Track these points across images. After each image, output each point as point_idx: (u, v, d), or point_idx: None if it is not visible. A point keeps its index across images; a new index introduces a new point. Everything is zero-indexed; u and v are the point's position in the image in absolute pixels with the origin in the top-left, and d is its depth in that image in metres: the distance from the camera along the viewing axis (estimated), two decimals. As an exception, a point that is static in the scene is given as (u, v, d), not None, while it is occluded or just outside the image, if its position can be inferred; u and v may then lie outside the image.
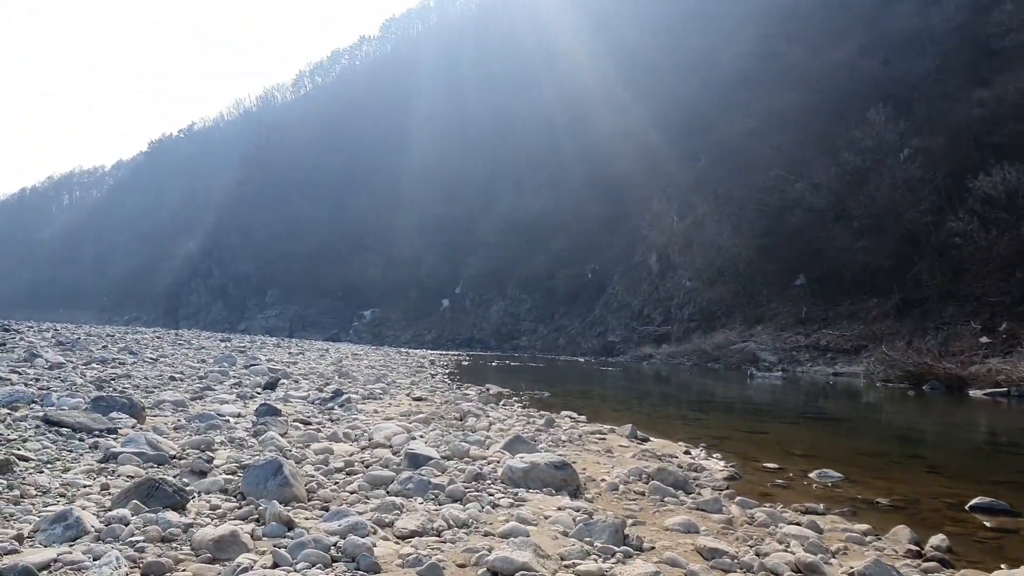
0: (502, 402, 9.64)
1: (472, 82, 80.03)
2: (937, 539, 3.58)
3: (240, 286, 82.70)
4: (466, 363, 24.31)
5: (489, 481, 4.09)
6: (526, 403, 10.04)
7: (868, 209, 31.07)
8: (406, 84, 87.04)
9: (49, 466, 3.77)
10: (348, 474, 4.15)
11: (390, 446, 5.02)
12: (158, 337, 21.43)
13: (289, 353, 18.45)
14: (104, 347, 13.91)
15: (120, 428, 4.79)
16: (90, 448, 4.27)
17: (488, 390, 11.77)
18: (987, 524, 4.17)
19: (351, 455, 4.70)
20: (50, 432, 4.46)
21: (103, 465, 3.88)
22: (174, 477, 3.76)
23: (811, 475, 5.47)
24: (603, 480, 4.46)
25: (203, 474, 3.82)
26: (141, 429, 4.91)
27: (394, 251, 70.77)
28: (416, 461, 4.29)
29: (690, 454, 6.20)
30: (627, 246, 48.97)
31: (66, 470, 3.73)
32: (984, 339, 23.57)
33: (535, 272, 56.22)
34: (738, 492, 4.56)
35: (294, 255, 78.58)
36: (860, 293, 31.28)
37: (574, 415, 8.48)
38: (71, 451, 4.15)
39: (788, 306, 34.43)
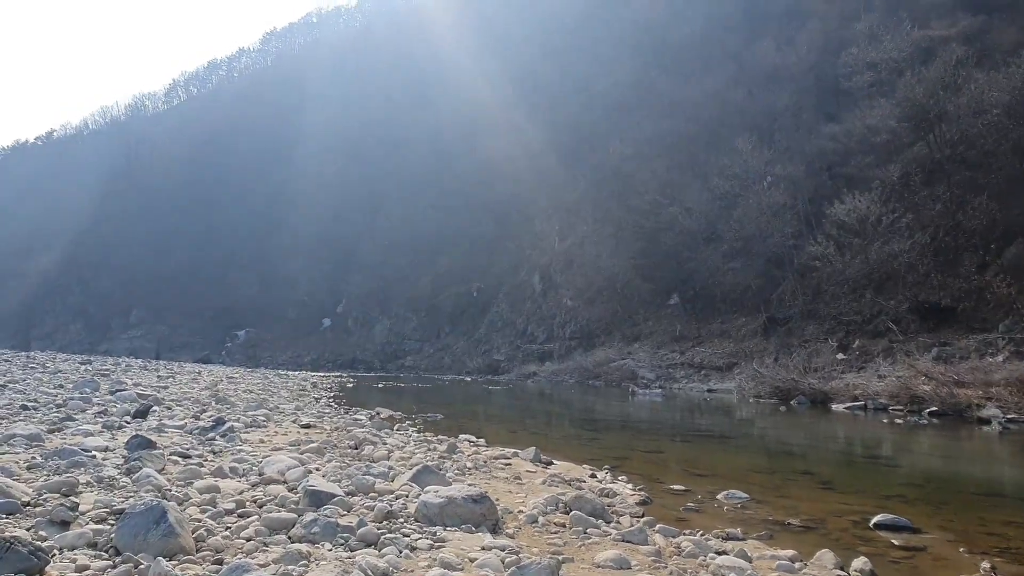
0: (396, 427, 9.24)
1: (358, 99, 78.77)
2: (859, 562, 3.60)
3: (102, 305, 77.05)
4: (351, 385, 23.53)
5: (402, 519, 3.77)
6: (421, 427, 9.69)
7: (737, 232, 32.70)
8: (288, 99, 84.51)
9: None
10: (241, 516, 3.72)
11: (284, 482, 4.59)
12: (6, 360, 19.46)
13: (158, 376, 17.17)
14: (-62, 374, 12.40)
15: (-40, 471, 4.11)
16: (-78, 498, 3.60)
17: (379, 414, 11.31)
18: (895, 542, 4.28)
19: (241, 493, 4.25)
20: None
21: (-63, 519, 3.25)
22: (28, 531, 3.21)
23: (719, 496, 5.49)
24: (520, 512, 4.24)
25: (65, 524, 3.29)
26: (-13, 472, 4.24)
27: (271, 270, 68.21)
28: (318, 499, 3.90)
29: (596, 477, 6.11)
30: (511, 265, 49.40)
31: None
32: (840, 356, 25.18)
33: (420, 291, 55.71)
34: (655, 518, 4.45)
35: (162, 273, 74.17)
36: (730, 312, 32.86)
37: (473, 438, 8.22)
38: None
39: (663, 324, 35.64)
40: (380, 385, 25.08)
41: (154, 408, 8.29)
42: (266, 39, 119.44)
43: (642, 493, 5.40)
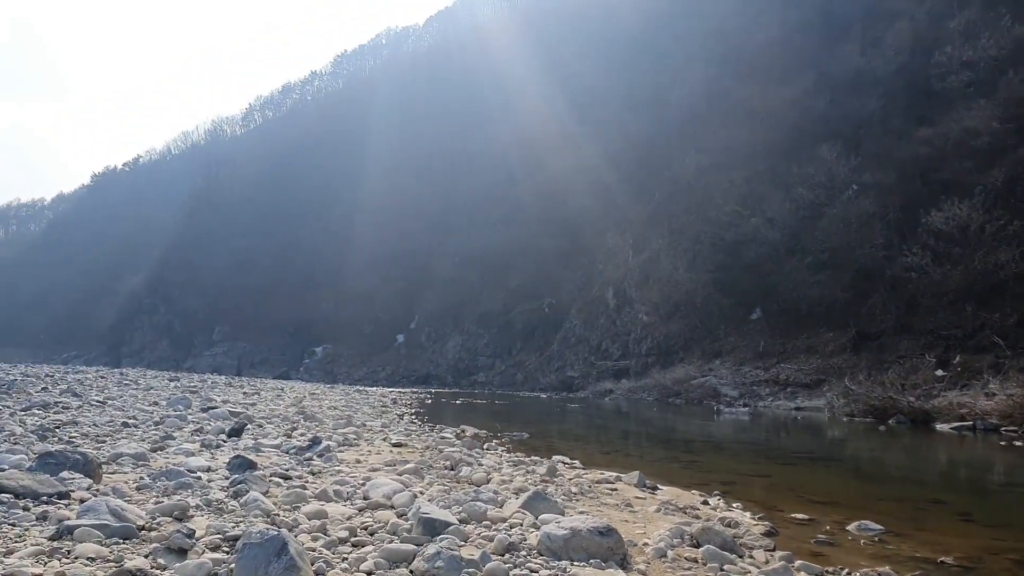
0: (484, 445, 9.01)
1: (426, 118, 79.96)
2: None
3: (187, 323, 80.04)
4: (429, 401, 23.52)
5: (524, 552, 3.49)
6: (509, 446, 9.44)
7: (822, 243, 31.51)
8: (359, 119, 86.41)
9: (-13, 548, 3.05)
10: (355, 546, 3.51)
11: (392, 507, 4.39)
12: (102, 377, 20.20)
13: (244, 393, 17.47)
14: (44, 389, 12.87)
15: (73, 491, 4.07)
16: (38, 519, 3.55)
17: (465, 432, 11.12)
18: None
19: (350, 519, 4.06)
20: (-13, 501, 3.72)
21: (55, 544, 3.16)
22: (146, 557, 3.09)
23: (850, 528, 5.03)
24: (645, 544, 3.91)
25: (183, 552, 3.15)
26: (98, 491, 4.19)
27: (347, 286, 69.47)
28: (432, 528, 3.67)
29: (709, 504, 5.71)
30: (584, 281, 48.92)
31: (9, 552, 3.02)
32: (939, 372, 23.78)
33: (492, 307, 55.73)
34: (790, 552, 4.06)
35: (243, 291, 76.52)
36: (816, 327, 31.51)
37: (567, 459, 7.92)
38: (13, 524, 3.44)
39: (745, 340, 34.49)
40: (457, 401, 25.01)
41: (247, 426, 8.30)
42: (337, 62, 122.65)
43: (765, 523, 4.98)
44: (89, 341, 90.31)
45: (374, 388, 34.90)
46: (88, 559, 3.02)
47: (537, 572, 3.18)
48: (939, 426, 16.99)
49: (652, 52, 56.36)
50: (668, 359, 37.15)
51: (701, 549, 3.77)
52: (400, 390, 35.76)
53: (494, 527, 3.97)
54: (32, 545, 3.14)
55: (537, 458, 7.77)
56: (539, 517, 4.15)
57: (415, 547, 3.36)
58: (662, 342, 38.69)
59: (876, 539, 4.74)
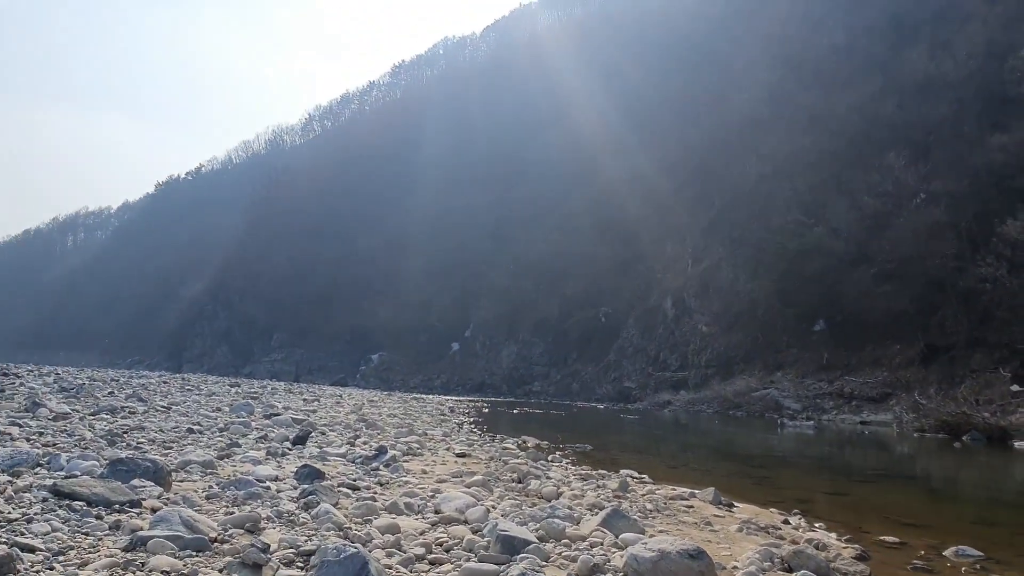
0: (549, 457, 8.80)
1: (480, 127, 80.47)
2: None
3: (246, 329, 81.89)
4: (486, 410, 23.43)
5: (610, 574, 3.28)
6: (573, 458, 9.21)
7: (890, 253, 30.46)
8: (415, 129, 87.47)
9: (61, 558, 3.00)
10: (432, 563, 3.36)
11: (465, 521, 4.23)
12: (165, 382, 20.64)
13: (304, 400, 17.63)
14: (111, 393, 13.15)
15: (144, 499, 4.02)
16: (111, 529, 3.49)
17: (526, 443, 10.94)
18: None
19: (423, 534, 3.92)
20: (61, 507, 3.69)
21: (129, 555, 3.09)
22: (220, 572, 2.98)
23: (946, 553, 4.67)
24: (734, 567, 3.66)
25: (257, 568, 3.03)
26: (169, 500, 4.14)
27: (403, 294, 70.15)
28: (510, 545, 3.49)
29: (790, 523, 5.40)
30: (641, 290, 48.26)
31: (84, 564, 2.95)
32: (1015, 387, 22.68)
33: (547, 316, 55.48)
34: (887, 581, 3.76)
35: (301, 298, 77.95)
36: (882, 339, 30.40)
37: (635, 474, 7.65)
38: (87, 533, 3.38)
39: (808, 352, 33.52)
40: (514, 411, 24.84)
41: (311, 434, 8.27)
42: (395, 72, 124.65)
43: (855, 545, 4.66)
44: (152, 346, 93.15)
45: (430, 396, 35.01)
46: (162, 572, 2.93)
47: (627, 598, 2.97)
48: (1017, 444, 16.13)
49: (711, 57, 55.56)
50: (728, 371, 36.33)
51: (795, 575, 3.50)
52: (455, 398, 35.77)
53: (574, 546, 3.78)
54: (106, 556, 3.07)
55: (604, 472, 7.54)
56: (620, 536, 3.94)
57: (495, 567, 3.19)
58: (722, 353, 37.86)
59: (977, 566, 4.39)
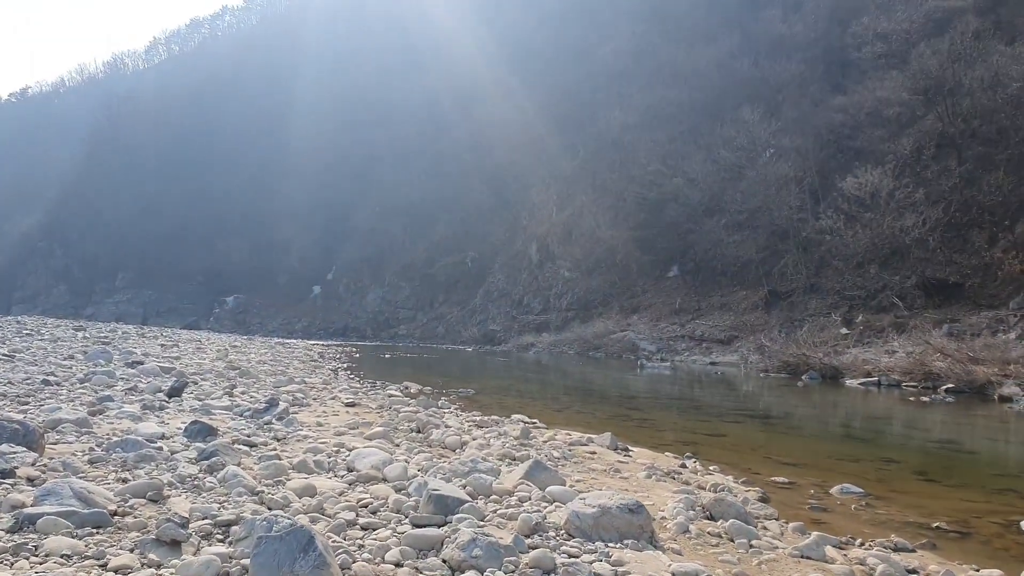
0: (439, 403, 8.76)
1: (350, 61, 76.79)
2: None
3: (87, 268, 75.36)
4: (357, 355, 23.02)
5: (551, 533, 3.28)
6: (461, 404, 9.23)
7: (740, 204, 32.31)
8: (277, 60, 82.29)
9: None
10: (365, 529, 3.22)
11: (385, 479, 4.10)
12: (-2, 327, 18.69)
13: (161, 345, 16.55)
14: (-62, 341, 11.75)
15: (17, 467, 3.58)
16: (-14, 504, 3.07)
17: (409, 389, 10.85)
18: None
19: (341, 494, 3.78)
20: (-79, 481, 3.22)
21: (17, 538, 2.72)
22: (132, 551, 2.71)
23: (832, 492, 5.09)
24: (663, 518, 3.77)
25: (176, 545, 2.77)
26: (46, 467, 3.73)
27: (263, 235, 67.03)
28: (444, 505, 3.41)
29: (687, 467, 5.68)
30: (508, 235, 48.76)
31: (-36, 552, 2.58)
32: (844, 331, 24.97)
33: (414, 259, 55.00)
34: (786, 520, 4.05)
35: (149, 236, 72.55)
36: (731, 285, 32.56)
37: (526, 419, 7.78)
38: (-40, 511, 2.96)
39: (663, 297, 35.28)
40: (386, 356, 24.61)
41: (187, 385, 7.75)
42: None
43: (755, 488, 4.99)
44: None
45: (293, 341, 33.94)
46: (63, 557, 2.63)
47: (578, 557, 2.98)
48: (848, 382, 17.78)
49: (582, 5, 55.67)
50: (587, 314, 37.67)
51: (724, 524, 3.68)
52: (319, 343, 34.90)
53: (504, 502, 3.76)
54: (-9, 542, 2.69)
55: (497, 417, 7.61)
56: (547, 490, 3.97)
57: (439, 531, 3.10)
58: (582, 297, 39.17)
59: (864, 504, 4.83)
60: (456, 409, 8.55)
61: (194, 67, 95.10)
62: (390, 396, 9.43)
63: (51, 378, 7.75)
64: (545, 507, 3.70)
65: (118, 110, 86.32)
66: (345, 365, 16.63)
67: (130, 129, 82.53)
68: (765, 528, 3.84)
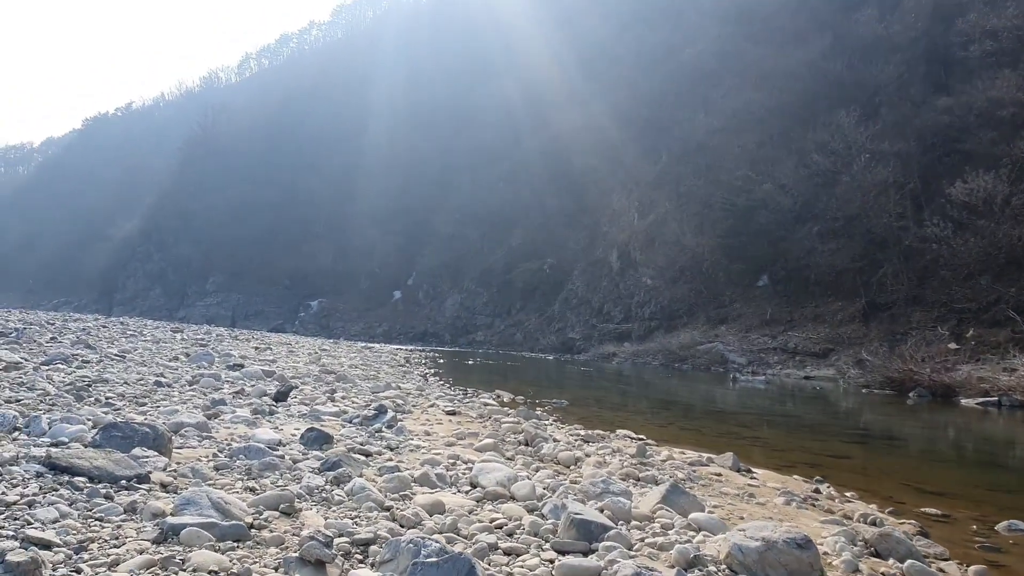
0: (539, 414, 8.48)
1: (429, 71, 78.07)
2: None
3: (180, 271, 78.84)
4: (441, 360, 23.03)
5: (712, 567, 2.95)
6: (558, 415, 8.94)
7: (835, 211, 30.96)
8: (360, 71, 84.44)
9: (86, 556, 2.48)
10: (507, 554, 2.96)
11: (512, 496, 3.84)
12: (104, 327, 19.48)
13: (255, 348, 16.86)
14: (53, 339, 12.23)
15: (150, 472, 3.49)
16: (126, 512, 2.98)
17: (500, 397, 10.64)
18: None
19: (471, 512, 3.52)
20: (61, 485, 3.15)
21: (164, 550, 2.59)
22: (276, 570, 2.52)
23: (998, 528, 4.54)
24: (824, 553, 3.38)
25: (320, 566, 2.57)
26: (176, 472, 3.62)
27: (345, 240, 68.52)
28: (587, 531, 3.12)
29: (821, 492, 5.20)
30: (587, 242, 48.24)
31: (114, 564, 2.45)
32: (952, 345, 23.50)
33: (492, 266, 55.06)
34: (962, 561, 3.57)
35: (239, 241, 75.30)
36: (824, 296, 31.15)
37: (632, 435, 7.41)
38: (101, 519, 2.87)
39: (751, 307, 34.11)
40: (469, 362, 24.56)
41: (292, 389, 7.72)
42: (336, 12, 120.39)
43: (911, 522, 4.49)
44: (79, 287, 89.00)
45: (376, 345, 34.38)
46: (210, 573, 2.46)
47: (753, 599, 2.64)
48: (964, 401, 16.66)
49: (664, 9, 54.84)
50: (671, 324, 36.79)
51: (899, 564, 3.26)
52: (401, 347, 35.25)
53: (647, 528, 3.44)
54: (135, 551, 2.57)
55: (602, 432, 7.28)
56: (690, 517, 3.62)
57: (593, 562, 2.81)
58: (666, 306, 38.27)
59: (1040, 543, 4.27)
60: (556, 421, 8.27)
61: (282, 79, 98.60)
62: (485, 405, 9.22)
63: (162, 379, 7.86)
64: (692, 536, 3.36)
65: (212, 120, 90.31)
66: (432, 371, 16.59)
67: (222, 138, 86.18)
68: (942, 571, 3.39)
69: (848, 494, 5.28)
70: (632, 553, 2.99)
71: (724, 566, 2.95)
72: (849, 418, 13.07)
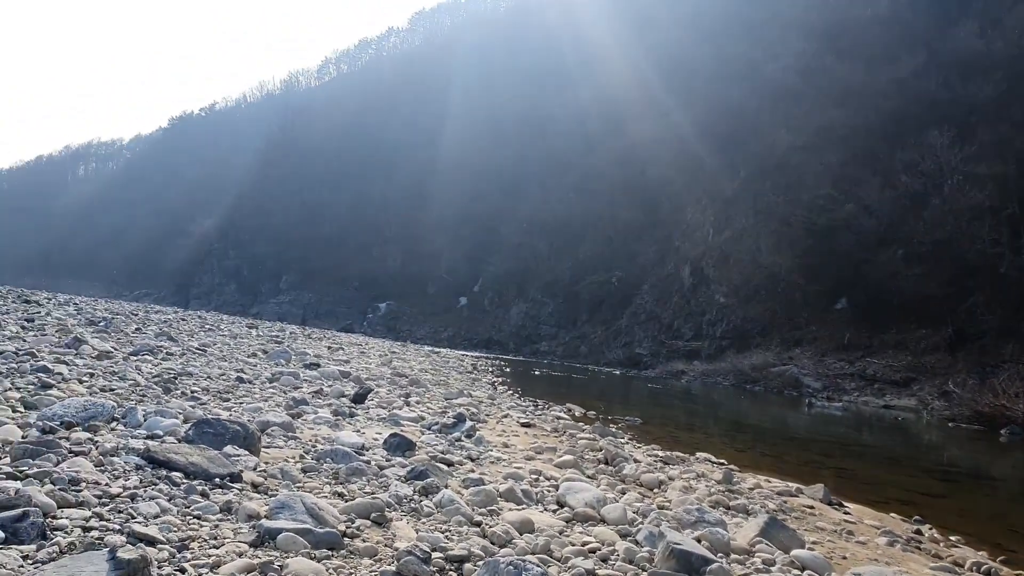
0: (615, 430, 8.31)
1: (503, 79, 78.65)
2: None
3: (255, 269, 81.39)
4: (507, 369, 23.00)
5: (827, 610, 2.76)
6: (633, 433, 8.74)
7: (923, 235, 29.71)
8: (435, 77, 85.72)
9: (189, 555, 2.46)
10: (606, 582, 2.83)
11: (603, 519, 3.71)
12: (183, 319, 20.17)
13: (328, 348, 17.14)
14: (138, 330, 12.65)
15: (242, 471, 3.49)
16: (222, 511, 2.96)
17: (571, 411, 10.49)
18: None
19: (561, 533, 3.40)
20: (159, 480, 3.16)
21: (262, 555, 2.56)
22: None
23: None
24: (944, 606, 3.14)
25: (418, 582, 2.49)
26: (266, 472, 3.62)
27: (415, 245, 69.47)
28: (687, 563, 2.95)
29: (923, 533, 4.89)
30: (658, 256, 47.57)
31: (215, 566, 2.42)
32: (1049, 381, 22.14)
33: (559, 276, 54.84)
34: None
35: (312, 241, 77.28)
36: (907, 322, 29.82)
37: (712, 458, 7.17)
38: (198, 517, 2.86)
39: (828, 330, 32.96)
40: (536, 372, 24.45)
41: (370, 392, 7.75)
42: (415, 19, 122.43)
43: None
44: (159, 280, 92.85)
45: (442, 350, 34.61)
46: (310, 585, 2.41)
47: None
48: (1063, 442, 15.67)
49: (747, 22, 53.85)
50: (744, 344, 35.85)
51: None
52: (466, 353, 35.40)
53: (748, 563, 3.26)
54: (235, 553, 2.54)
55: (681, 454, 7.05)
56: (792, 553, 3.42)
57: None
58: (739, 326, 37.35)
59: None
60: (631, 440, 8.07)
61: (360, 85, 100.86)
62: (558, 419, 9.09)
63: (243, 375, 8.00)
64: (797, 574, 3.17)
65: (291, 123, 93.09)
66: (500, 379, 16.54)
67: (301, 141, 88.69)
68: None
69: (953, 538, 4.94)
70: (736, 590, 2.83)
71: (836, 609, 2.76)
72: (937, 453, 12.41)
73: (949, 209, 28.62)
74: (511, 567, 2.43)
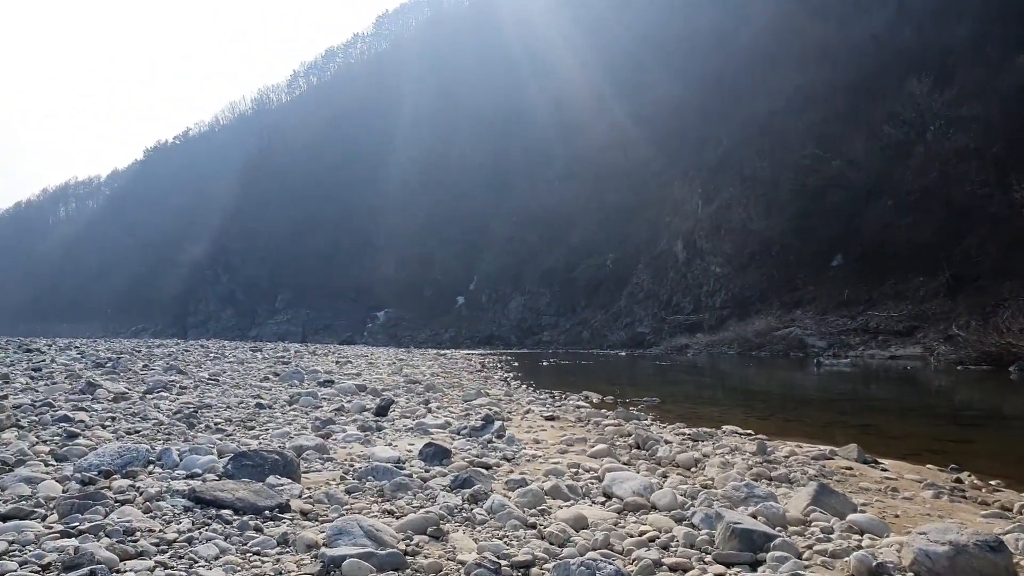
0: (637, 413, 8.30)
1: (472, 75, 78.44)
2: None
3: (249, 292, 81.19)
4: (515, 363, 22.97)
5: (897, 575, 2.74)
6: (654, 414, 8.73)
7: (912, 183, 29.79)
8: (405, 80, 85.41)
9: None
10: (673, 570, 2.80)
11: (654, 506, 3.69)
12: (186, 351, 20.08)
13: (336, 362, 17.10)
14: (146, 366, 12.58)
15: (289, 500, 3.46)
16: (280, 544, 2.92)
17: (590, 399, 10.48)
18: None
19: (617, 525, 3.38)
20: (210, 519, 3.12)
21: (331, 586, 2.53)
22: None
23: None
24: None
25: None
26: (312, 499, 3.59)
27: (406, 250, 69.44)
28: (750, 541, 2.93)
29: (963, 482, 4.89)
30: (650, 234, 47.61)
31: (290, 603, 2.39)
32: (1050, 315, 22.24)
33: (553, 265, 54.88)
34: None
35: (303, 257, 77.14)
36: (904, 272, 29.92)
37: (739, 430, 7.16)
38: (258, 553, 2.81)
39: (827, 288, 33.07)
40: (543, 363, 24.44)
41: (392, 404, 7.72)
42: (379, 22, 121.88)
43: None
44: (154, 312, 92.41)
45: (446, 351, 34.56)
46: (378, 605, 2.38)
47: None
48: (1074, 376, 15.76)
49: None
50: (744, 311, 35.96)
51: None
52: (470, 352, 35.34)
53: (808, 534, 3.24)
54: (306, 588, 2.51)
55: (707, 430, 7.04)
56: (848, 518, 3.40)
57: (771, 576, 2.64)
58: (737, 294, 37.47)
59: None
60: (655, 420, 8.06)
61: (331, 95, 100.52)
62: (579, 407, 9.07)
63: (261, 401, 7.95)
64: (858, 540, 3.16)
65: (267, 141, 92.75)
66: (512, 374, 16.53)
67: (279, 158, 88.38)
68: None
69: (992, 482, 4.94)
70: (804, 562, 2.81)
71: (911, 574, 2.73)
72: (952, 398, 12.45)
73: (934, 155, 28.72)
74: (584, 568, 2.41)
